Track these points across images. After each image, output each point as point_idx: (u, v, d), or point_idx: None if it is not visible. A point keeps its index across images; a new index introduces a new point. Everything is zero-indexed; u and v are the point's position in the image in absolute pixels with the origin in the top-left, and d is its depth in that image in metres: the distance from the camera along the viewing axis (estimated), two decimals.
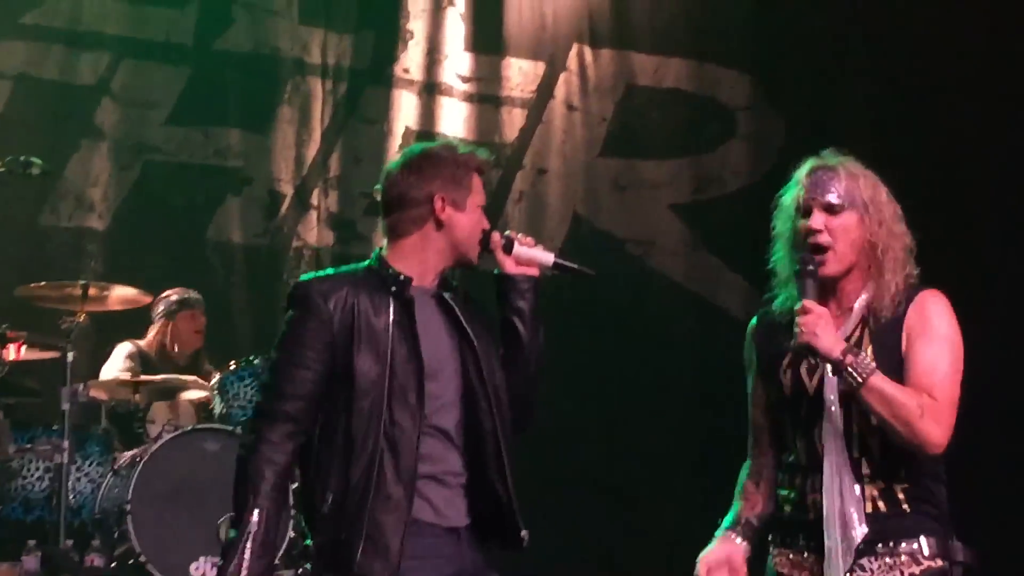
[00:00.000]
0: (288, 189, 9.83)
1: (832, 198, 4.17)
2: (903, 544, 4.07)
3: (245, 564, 3.93)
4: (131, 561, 6.99)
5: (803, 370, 4.19)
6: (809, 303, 4.04)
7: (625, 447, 9.48)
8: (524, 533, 4.24)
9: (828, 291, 4.16)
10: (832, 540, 4.06)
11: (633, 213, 10.14)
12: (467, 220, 4.28)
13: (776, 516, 4.30)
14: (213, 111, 9.76)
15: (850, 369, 3.99)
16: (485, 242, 4.32)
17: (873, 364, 4.00)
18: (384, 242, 4.32)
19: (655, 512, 9.40)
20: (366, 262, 4.30)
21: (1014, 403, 8.20)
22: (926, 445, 4.02)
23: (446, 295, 4.28)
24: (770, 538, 4.31)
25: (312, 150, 9.90)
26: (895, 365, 4.06)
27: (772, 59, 10.04)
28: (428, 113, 9.92)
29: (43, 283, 7.75)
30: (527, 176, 10.11)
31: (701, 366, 9.55)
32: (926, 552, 4.06)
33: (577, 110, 10.26)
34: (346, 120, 10.01)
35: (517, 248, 4.35)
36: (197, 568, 7.00)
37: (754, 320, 4.40)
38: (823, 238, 4.15)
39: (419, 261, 4.25)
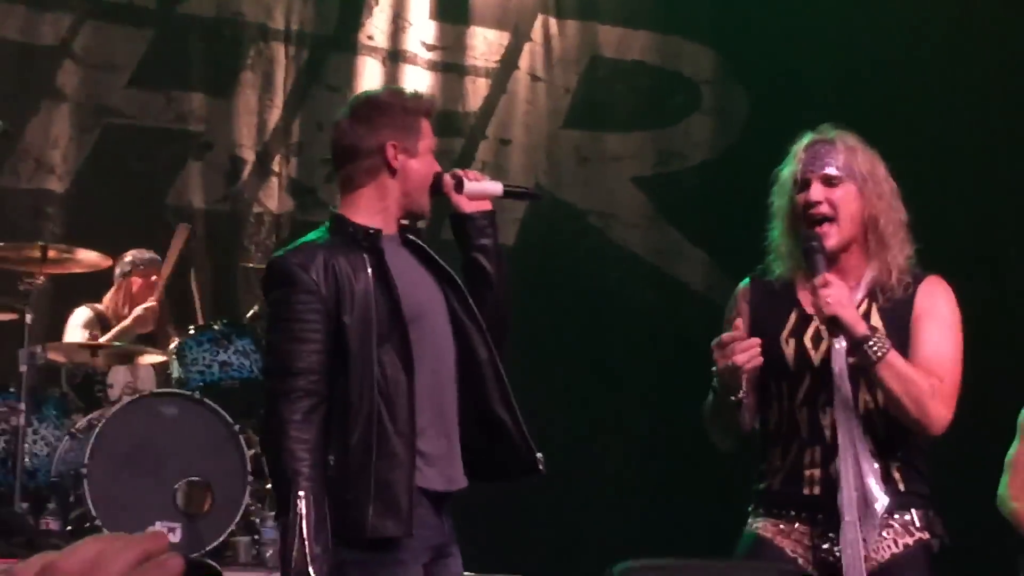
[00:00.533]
0: (250, 155, 9.78)
1: (831, 170, 4.18)
2: (896, 515, 4.11)
3: (305, 549, 3.90)
4: (86, 525, 6.97)
5: (808, 340, 4.19)
6: (829, 276, 4.05)
7: (582, 419, 9.49)
8: (539, 456, 4.28)
9: (831, 267, 4.17)
10: (851, 515, 4.07)
11: (595, 185, 10.15)
12: (419, 165, 4.29)
13: (760, 489, 4.29)
14: (175, 75, 9.69)
15: (872, 343, 4.00)
16: (437, 185, 4.34)
17: (889, 341, 4.02)
18: (337, 198, 4.32)
19: (612, 479, 9.44)
20: (324, 225, 4.30)
21: None
22: (932, 425, 4.08)
23: (411, 237, 4.30)
24: (751, 508, 4.31)
25: (274, 116, 9.85)
26: (905, 344, 4.10)
27: (737, 33, 10.05)
28: (392, 81, 9.87)
29: (1, 244, 7.69)
30: (490, 146, 10.09)
31: (660, 338, 9.59)
32: (917, 524, 4.12)
33: (541, 81, 10.24)
34: (309, 87, 9.96)
35: (468, 185, 4.38)
36: None
37: (746, 281, 4.40)
38: (824, 209, 4.16)
39: (378, 211, 4.25)
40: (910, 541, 4.11)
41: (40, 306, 7.73)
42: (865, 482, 4.07)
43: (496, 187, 4.47)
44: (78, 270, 7.91)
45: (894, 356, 4.01)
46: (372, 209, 4.24)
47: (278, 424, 4.00)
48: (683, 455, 7.99)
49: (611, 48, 10.31)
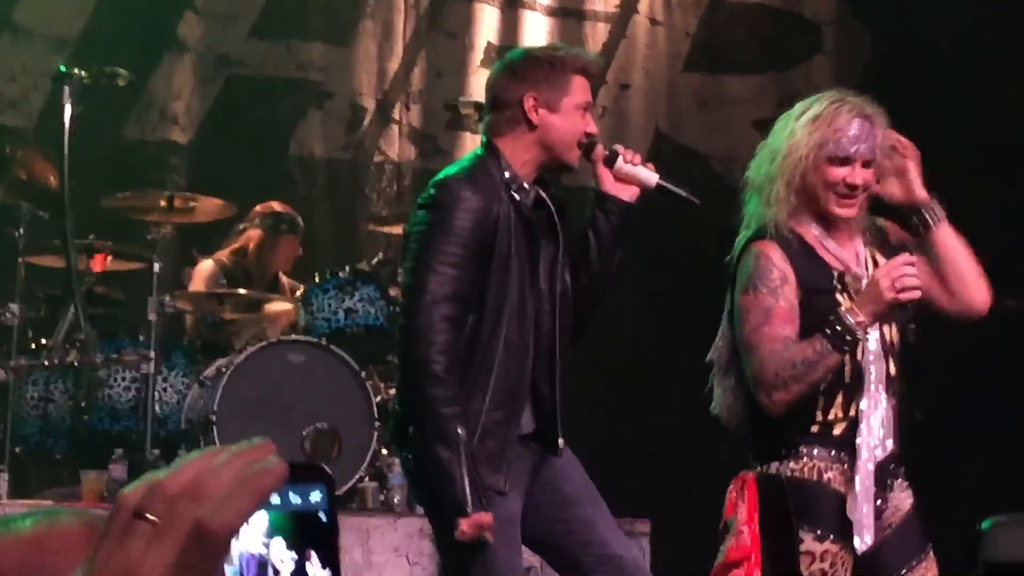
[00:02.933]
0: (370, 103, 9.82)
1: (871, 155, 4.22)
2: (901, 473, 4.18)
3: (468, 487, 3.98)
4: None
5: (856, 295, 4.17)
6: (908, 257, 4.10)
7: (698, 364, 9.41)
8: (560, 441, 4.27)
9: (832, 229, 4.26)
10: (866, 462, 4.02)
11: (716, 129, 10.07)
12: (561, 121, 4.26)
13: (814, 432, 4.14)
14: (295, 25, 9.74)
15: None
16: (588, 149, 4.29)
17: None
18: (484, 140, 4.33)
19: None
20: (474, 153, 4.30)
21: None
22: (984, 303, 4.17)
23: (540, 192, 4.29)
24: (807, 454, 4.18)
25: (394, 64, 9.87)
26: None
27: None
28: (510, 27, 9.86)
29: (129, 193, 7.77)
30: (610, 91, 10.04)
31: None
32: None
33: (660, 24, 10.17)
34: (428, 34, 9.97)
35: (619, 163, 4.29)
36: None
37: (765, 241, 4.45)
38: (860, 193, 4.25)
39: (518, 161, 4.24)
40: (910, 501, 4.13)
41: (167, 255, 7.81)
42: (880, 428, 4.04)
43: (650, 177, 4.32)
44: (204, 219, 7.98)
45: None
46: (513, 159, 4.24)
47: (421, 348, 4.00)
48: None
49: None
